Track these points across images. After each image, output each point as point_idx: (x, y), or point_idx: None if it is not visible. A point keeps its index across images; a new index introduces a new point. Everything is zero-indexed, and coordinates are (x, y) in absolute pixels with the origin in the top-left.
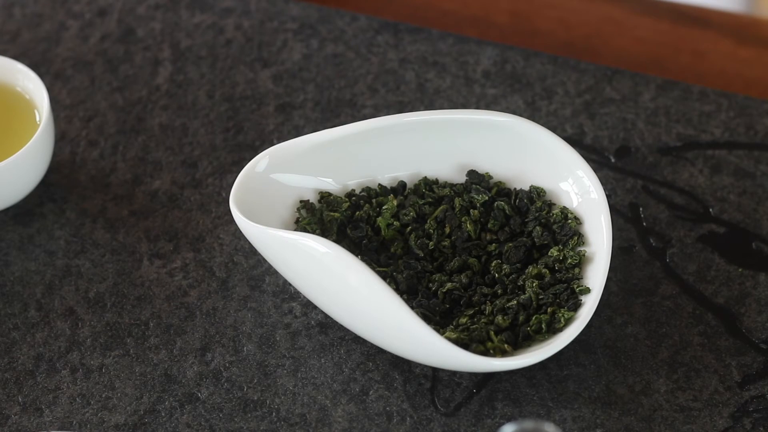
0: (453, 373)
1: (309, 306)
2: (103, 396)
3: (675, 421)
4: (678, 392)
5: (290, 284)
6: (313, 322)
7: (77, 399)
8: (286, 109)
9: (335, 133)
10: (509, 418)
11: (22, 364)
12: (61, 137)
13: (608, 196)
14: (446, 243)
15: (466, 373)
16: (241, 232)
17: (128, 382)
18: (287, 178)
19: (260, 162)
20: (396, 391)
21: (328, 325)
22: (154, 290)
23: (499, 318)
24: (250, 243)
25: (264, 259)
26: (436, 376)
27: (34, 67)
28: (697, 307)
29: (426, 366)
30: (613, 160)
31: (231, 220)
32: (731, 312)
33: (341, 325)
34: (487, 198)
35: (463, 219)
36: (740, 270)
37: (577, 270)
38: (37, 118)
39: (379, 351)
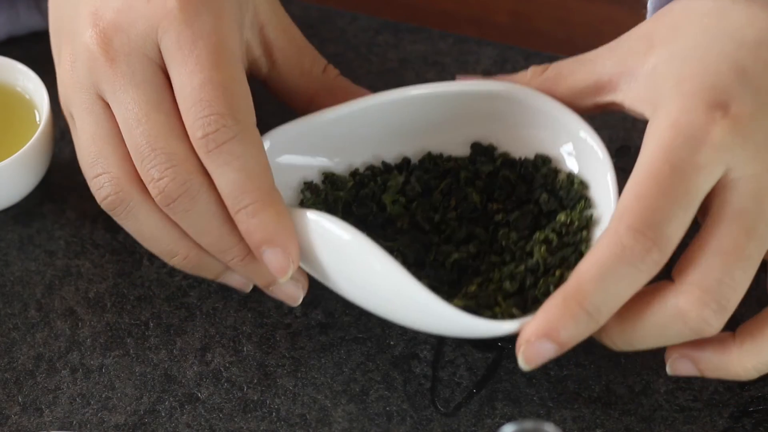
0: (453, 373)
1: (309, 306)
2: (103, 396)
3: (675, 421)
4: (678, 392)
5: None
6: (313, 322)
7: (77, 399)
8: (286, 109)
9: (337, 112)
10: (509, 418)
11: (22, 364)
12: (61, 137)
13: None
14: (452, 215)
15: (466, 373)
16: None
17: (128, 382)
18: (290, 159)
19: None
20: (396, 391)
21: (328, 325)
22: (154, 290)
23: (507, 284)
24: None
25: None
26: (436, 376)
27: (34, 67)
28: None
29: (426, 366)
30: (613, 160)
31: None
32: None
33: (341, 325)
34: (492, 168)
35: (468, 190)
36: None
37: (585, 233)
38: (37, 118)
39: (379, 351)
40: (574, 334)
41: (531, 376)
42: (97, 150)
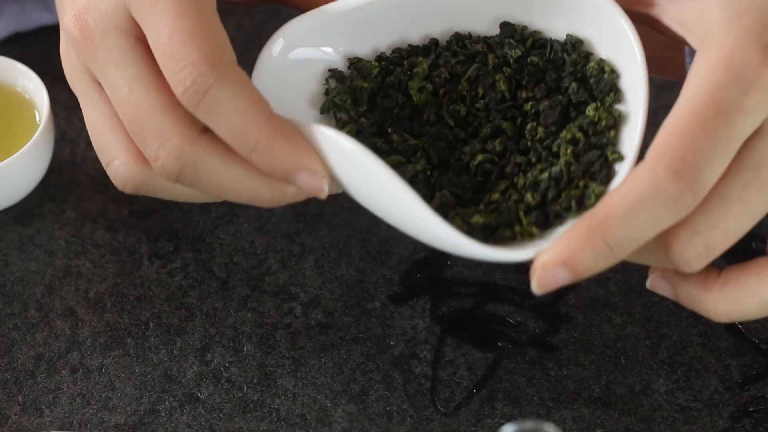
0: (453, 373)
1: (309, 306)
2: (103, 396)
3: (675, 421)
4: (678, 392)
5: (290, 285)
6: (313, 322)
7: (77, 399)
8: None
9: (351, 3)
10: (509, 418)
11: (22, 364)
12: (61, 137)
13: None
14: (480, 105)
15: (466, 373)
16: (241, 232)
17: (128, 382)
18: (310, 51)
19: (274, 46)
20: (396, 391)
21: (328, 326)
22: (154, 290)
23: (529, 196)
24: (250, 243)
25: (264, 258)
26: (436, 376)
27: (34, 67)
28: None
29: (426, 366)
30: None
31: (231, 220)
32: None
33: (341, 325)
34: (521, 53)
35: (497, 77)
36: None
37: (612, 133)
38: (37, 118)
39: (379, 351)
40: (593, 265)
41: (531, 376)
42: (100, 138)
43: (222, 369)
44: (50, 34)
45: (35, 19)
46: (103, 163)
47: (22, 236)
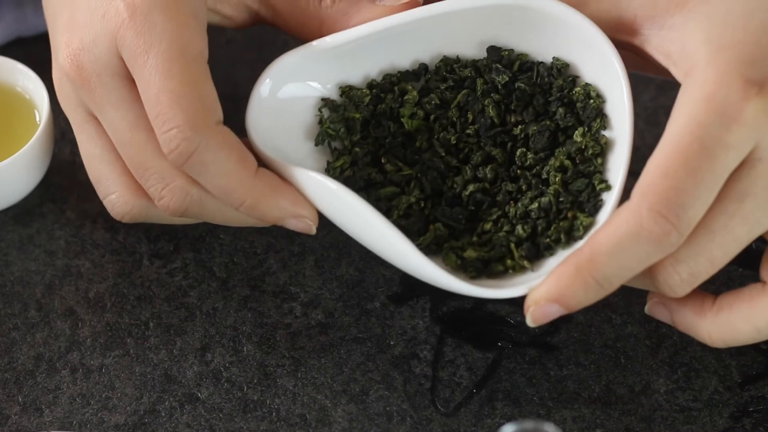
0: (453, 373)
1: (309, 306)
2: (103, 396)
3: (675, 421)
4: (678, 392)
5: (290, 285)
6: (313, 322)
7: (77, 399)
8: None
9: (342, 38)
10: (509, 418)
11: (22, 364)
12: (61, 137)
13: None
14: (470, 131)
15: (466, 373)
16: (241, 232)
17: (128, 382)
18: (300, 87)
19: (262, 87)
20: (396, 391)
21: (328, 325)
22: (154, 290)
23: (519, 228)
24: (250, 243)
25: (264, 258)
26: (436, 376)
27: (34, 67)
28: None
29: (426, 366)
30: None
31: None
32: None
33: (341, 325)
34: (508, 78)
35: (486, 102)
36: (740, 270)
37: (599, 161)
38: (37, 118)
39: (379, 351)
40: (583, 300)
41: (531, 376)
42: (97, 172)
43: (222, 369)
44: None
45: (35, 25)
46: (100, 195)
47: (22, 236)
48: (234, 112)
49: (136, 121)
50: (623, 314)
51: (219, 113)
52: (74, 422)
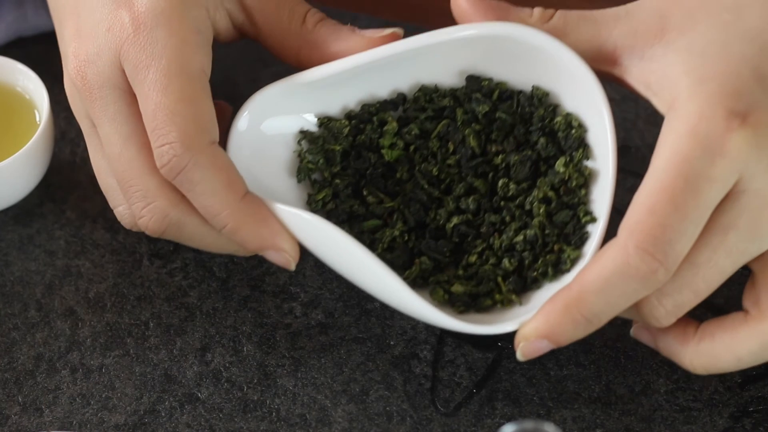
0: (453, 373)
1: (309, 306)
2: (103, 396)
3: (675, 421)
4: (678, 392)
5: (290, 285)
6: (313, 322)
7: (77, 399)
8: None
9: (319, 73)
10: (509, 418)
11: (22, 364)
12: (61, 137)
13: None
14: (451, 161)
15: (466, 373)
16: None
17: (128, 382)
18: (278, 121)
19: (241, 121)
20: (396, 391)
21: (328, 325)
22: (154, 290)
23: (506, 261)
24: None
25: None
26: (436, 376)
27: (34, 67)
28: (697, 307)
29: (426, 366)
30: None
31: None
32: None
33: (341, 325)
34: (488, 108)
35: (466, 132)
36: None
37: (582, 192)
38: (37, 118)
39: (379, 351)
40: (573, 336)
41: (531, 376)
42: (106, 184)
43: (222, 369)
44: (51, 35)
45: (36, 25)
46: (111, 205)
47: (22, 236)
48: (234, 113)
49: (129, 136)
50: None
51: (214, 133)
52: (74, 422)
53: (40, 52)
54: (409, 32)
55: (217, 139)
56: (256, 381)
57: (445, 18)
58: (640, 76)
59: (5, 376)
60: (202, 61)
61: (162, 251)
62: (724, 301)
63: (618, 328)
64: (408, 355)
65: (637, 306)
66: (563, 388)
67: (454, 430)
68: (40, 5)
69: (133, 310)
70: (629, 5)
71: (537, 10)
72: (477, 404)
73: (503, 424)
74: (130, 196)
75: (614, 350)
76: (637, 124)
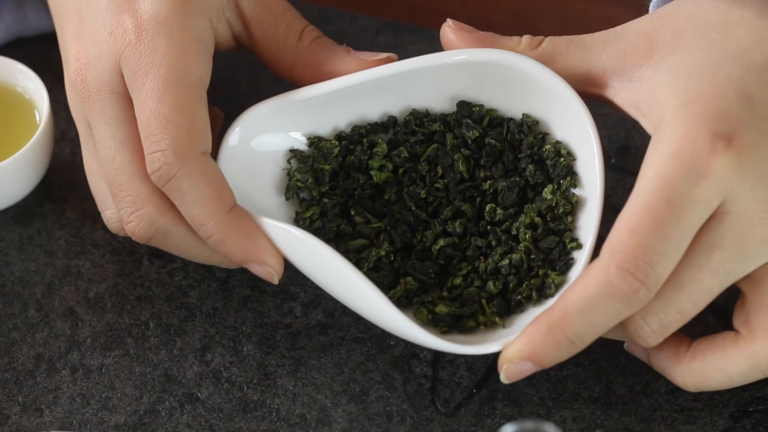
0: (453, 373)
1: (309, 306)
2: (103, 396)
3: (675, 421)
4: (678, 392)
5: (290, 285)
6: (313, 322)
7: (77, 399)
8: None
9: (310, 92)
10: (509, 418)
11: (22, 364)
12: (61, 137)
13: (608, 196)
14: (440, 185)
15: (466, 373)
16: None
17: (128, 382)
18: (269, 138)
19: (232, 137)
20: (396, 391)
21: (328, 326)
22: (154, 290)
23: (491, 284)
24: None
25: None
26: (436, 376)
27: (34, 67)
28: None
29: (426, 366)
30: (613, 160)
31: None
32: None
33: (341, 325)
34: (478, 134)
35: (455, 157)
36: None
37: (569, 219)
38: (37, 118)
39: (379, 351)
40: (556, 358)
41: (531, 376)
42: (95, 186)
43: (222, 369)
44: (51, 36)
45: (36, 25)
46: (99, 208)
47: (22, 236)
48: (234, 113)
49: (124, 141)
50: None
51: (206, 144)
52: (74, 422)
53: (40, 52)
54: (409, 32)
55: (210, 149)
56: (256, 381)
57: (444, 18)
58: (629, 98)
59: (5, 376)
60: (201, 71)
61: (162, 251)
62: (724, 301)
63: None
64: (408, 355)
65: (623, 326)
66: (563, 388)
67: (454, 430)
68: (40, 6)
69: (133, 310)
70: (618, 27)
71: (525, 38)
72: (477, 404)
73: (503, 424)
74: (120, 201)
75: (614, 350)
76: (637, 124)
